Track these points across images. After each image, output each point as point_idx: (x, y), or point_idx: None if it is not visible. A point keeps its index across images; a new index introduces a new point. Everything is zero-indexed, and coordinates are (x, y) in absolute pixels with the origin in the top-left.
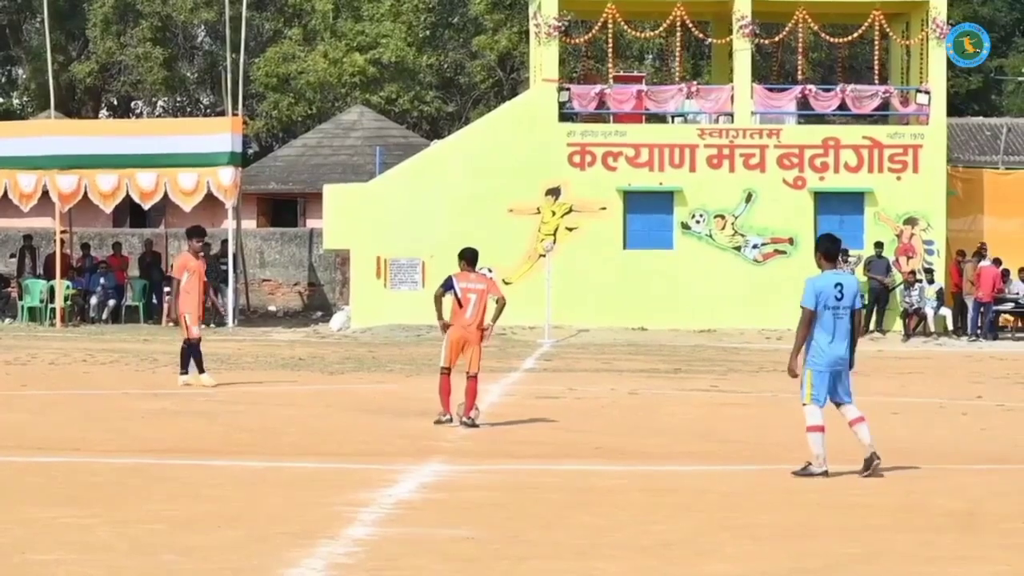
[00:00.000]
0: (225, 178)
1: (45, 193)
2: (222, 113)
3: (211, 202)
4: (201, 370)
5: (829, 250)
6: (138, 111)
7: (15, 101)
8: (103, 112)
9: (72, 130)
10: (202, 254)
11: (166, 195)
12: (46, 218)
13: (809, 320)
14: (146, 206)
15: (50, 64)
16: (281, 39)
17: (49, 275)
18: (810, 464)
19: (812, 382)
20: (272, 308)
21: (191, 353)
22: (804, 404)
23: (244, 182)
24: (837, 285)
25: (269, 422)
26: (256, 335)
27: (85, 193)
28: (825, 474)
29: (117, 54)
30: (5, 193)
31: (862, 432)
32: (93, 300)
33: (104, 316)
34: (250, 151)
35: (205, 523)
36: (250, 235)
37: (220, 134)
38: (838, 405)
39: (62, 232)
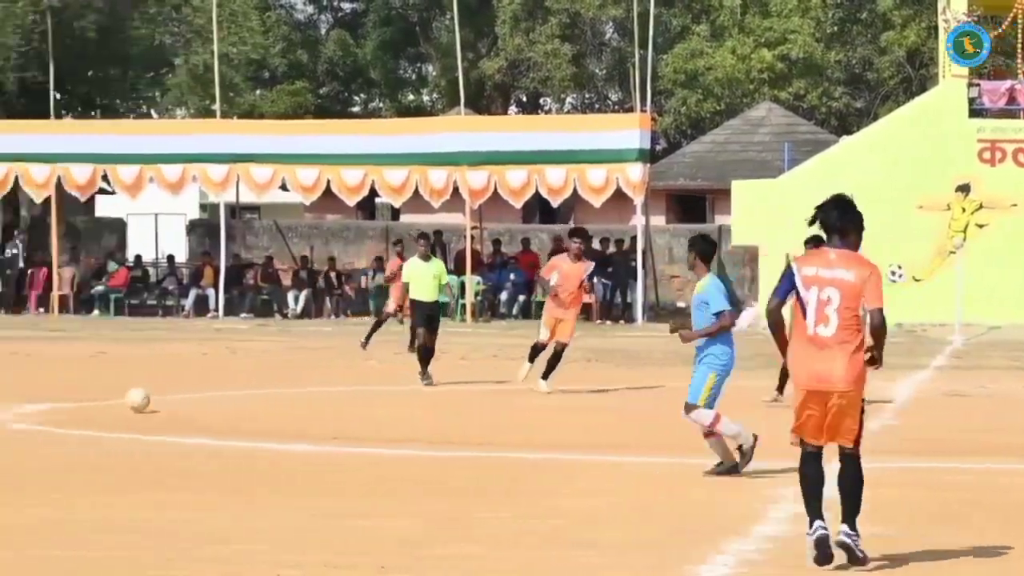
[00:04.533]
0: (634, 175)
1: (455, 189)
2: (630, 109)
3: (620, 198)
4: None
5: (706, 251)
6: (546, 107)
7: (425, 98)
8: (512, 108)
9: (482, 126)
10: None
11: (575, 191)
12: (456, 214)
13: (732, 321)
14: (555, 203)
15: (460, 61)
16: (689, 35)
17: (459, 271)
18: (740, 448)
19: (716, 386)
20: (681, 304)
21: (535, 352)
22: (696, 406)
23: (652, 178)
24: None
25: (680, 417)
26: (665, 332)
27: (495, 189)
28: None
29: (526, 51)
30: (416, 189)
31: (726, 425)
32: (503, 296)
33: (514, 312)
34: (658, 147)
35: (609, 518)
36: (659, 231)
37: (629, 130)
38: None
39: (472, 228)
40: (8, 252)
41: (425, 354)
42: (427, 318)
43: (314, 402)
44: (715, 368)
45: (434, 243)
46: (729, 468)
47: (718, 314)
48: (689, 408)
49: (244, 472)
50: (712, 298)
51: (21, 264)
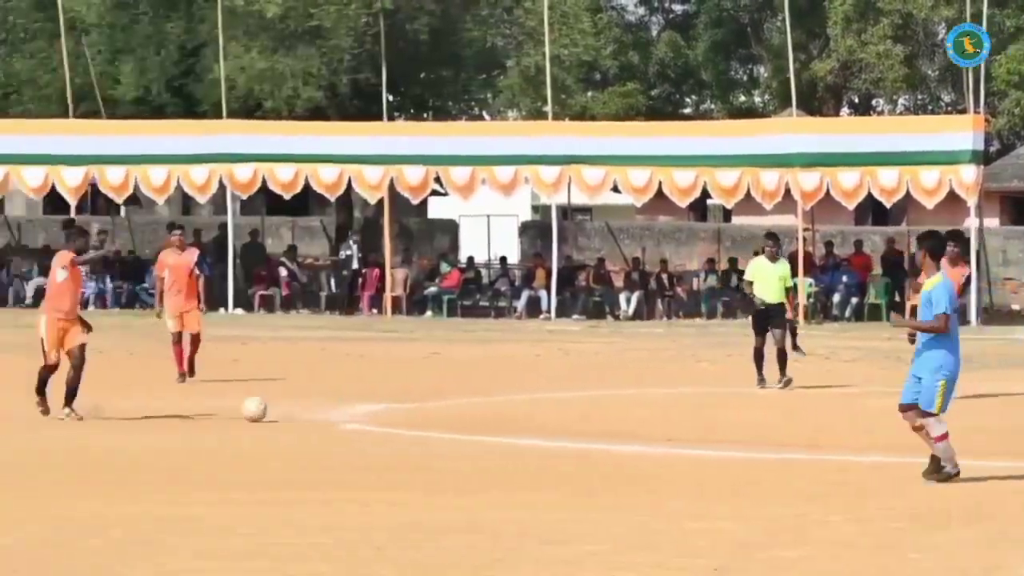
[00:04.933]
0: (967, 176)
1: (787, 191)
2: (963, 111)
3: (953, 200)
4: None
5: (935, 249)
6: (879, 109)
7: (756, 99)
8: (844, 110)
9: (814, 128)
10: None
11: (908, 193)
12: (788, 216)
13: (946, 325)
14: (888, 204)
15: (791, 62)
16: (1022, 36)
17: (792, 273)
18: (943, 468)
19: (947, 392)
20: (1016, 307)
21: None
22: (933, 414)
23: (986, 180)
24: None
25: (1014, 421)
26: (999, 334)
27: (827, 191)
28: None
29: (857, 52)
30: (748, 191)
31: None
32: (836, 298)
33: (847, 314)
34: (992, 149)
35: (946, 521)
36: (992, 233)
37: (962, 132)
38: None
39: (804, 230)
40: (342, 254)
41: (780, 356)
42: (766, 319)
43: (647, 403)
44: (944, 375)
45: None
46: (950, 475)
47: (938, 315)
48: (923, 414)
49: (578, 472)
50: (938, 298)
51: (355, 265)
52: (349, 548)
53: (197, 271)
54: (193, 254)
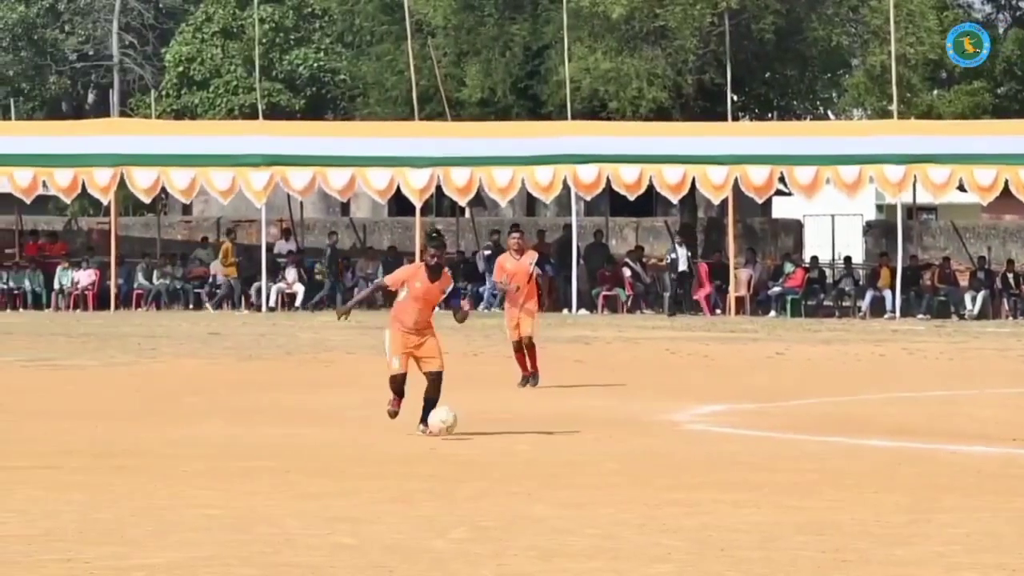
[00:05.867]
0: None
1: None
2: None
3: None
4: None
5: None
6: None
7: None
8: None
9: None
10: None
11: None
12: None
13: None
14: None
15: None
16: None
17: None
18: None
19: None
20: None
21: None
22: None
23: None
24: None
25: None
26: None
27: None
28: None
29: None
30: None
31: None
32: None
33: None
34: None
35: None
36: None
37: None
38: None
39: None
40: (668, 256)
41: None
42: None
43: (992, 404)
44: None
45: None
46: None
47: None
48: None
49: (923, 473)
50: None
51: (681, 267)
52: (691, 549)
53: (538, 271)
54: (531, 258)
